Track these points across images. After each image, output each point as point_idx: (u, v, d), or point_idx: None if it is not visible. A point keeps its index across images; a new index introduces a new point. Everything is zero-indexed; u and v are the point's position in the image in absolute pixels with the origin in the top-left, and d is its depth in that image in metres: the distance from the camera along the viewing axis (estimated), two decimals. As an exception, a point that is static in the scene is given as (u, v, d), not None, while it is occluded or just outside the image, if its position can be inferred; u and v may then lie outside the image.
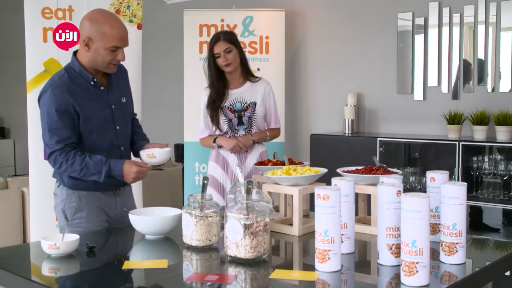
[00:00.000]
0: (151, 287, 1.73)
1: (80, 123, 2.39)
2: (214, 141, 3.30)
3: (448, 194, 1.80)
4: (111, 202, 2.53)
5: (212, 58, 3.23)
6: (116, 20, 2.40)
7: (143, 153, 2.49)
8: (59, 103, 2.35)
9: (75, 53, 2.49)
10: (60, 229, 2.49)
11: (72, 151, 2.36)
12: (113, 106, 2.49)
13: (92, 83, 2.43)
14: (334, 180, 1.96)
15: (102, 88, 2.47)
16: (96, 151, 2.41)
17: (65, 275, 1.87)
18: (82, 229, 2.44)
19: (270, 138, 3.37)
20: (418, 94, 4.26)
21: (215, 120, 3.26)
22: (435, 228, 2.02)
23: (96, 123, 2.42)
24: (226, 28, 4.58)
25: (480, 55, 3.97)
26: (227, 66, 3.21)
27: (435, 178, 2.00)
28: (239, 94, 3.28)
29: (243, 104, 3.27)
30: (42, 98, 2.41)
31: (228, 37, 3.23)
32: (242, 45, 3.34)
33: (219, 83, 3.27)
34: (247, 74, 3.31)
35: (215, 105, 3.26)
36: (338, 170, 2.35)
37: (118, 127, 2.51)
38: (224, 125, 3.27)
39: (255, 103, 3.27)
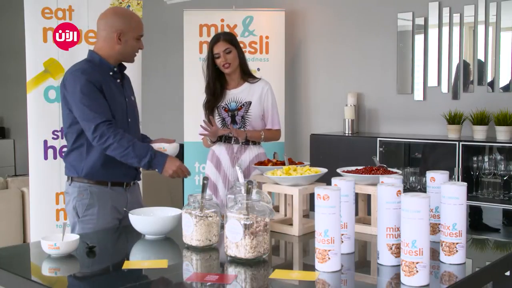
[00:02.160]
0: (151, 287, 1.73)
1: None
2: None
3: (448, 194, 1.80)
4: (122, 199, 2.57)
5: (211, 59, 3.25)
6: (136, 13, 2.68)
7: (155, 146, 2.57)
8: (91, 84, 2.43)
9: (91, 50, 2.60)
10: (72, 227, 2.52)
11: (120, 129, 2.43)
12: (126, 99, 2.61)
13: (111, 72, 2.55)
14: (334, 180, 1.96)
15: (118, 80, 2.59)
16: None
17: (65, 275, 1.87)
18: (93, 225, 2.49)
19: (266, 139, 3.32)
20: (418, 94, 4.26)
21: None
22: (435, 228, 2.02)
23: (115, 110, 2.51)
24: (226, 28, 4.58)
25: (480, 55, 3.97)
26: (226, 67, 3.22)
27: (435, 178, 2.00)
28: (236, 94, 3.29)
29: (238, 104, 3.27)
30: (72, 80, 2.46)
31: (228, 37, 3.25)
32: (242, 45, 3.35)
33: (216, 84, 3.29)
34: (245, 75, 3.31)
35: (209, 105, 3.28)
36: (338, 170, 2.35)
37: (129, 120, 2.60)
38: (218, 124, 3.27)
39: (249, 103, 3.26)
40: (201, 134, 3.27)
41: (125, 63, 2.65)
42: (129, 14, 2.60)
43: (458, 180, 3.64)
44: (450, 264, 1.81)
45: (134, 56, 2.63)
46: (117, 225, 2.55)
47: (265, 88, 3.29)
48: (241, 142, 3.27)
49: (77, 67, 2.52)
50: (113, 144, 2.39)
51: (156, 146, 2.56)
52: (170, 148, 2.56)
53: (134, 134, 2.61)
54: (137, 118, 2.71)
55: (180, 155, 5.22)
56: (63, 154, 2.69)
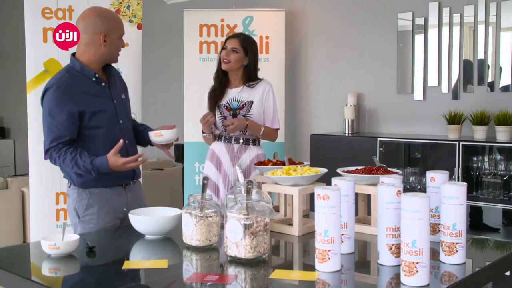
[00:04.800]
0: (151, 287, 1.73)
1: (87, 120, 2.44)
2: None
3: (448, 194, 1.80)
4: (122, 199, 2.57)
5: (222, 50, 3.31)
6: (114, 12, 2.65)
7: (152, 133, 2.61)
8: (60, 103, 2.41)
9: (73, 54, 2.56)
10: (74, 229, 2.52)
11: (64, 147, 2.41)
12: (115, 101, 2.56)
13: (93, 79, 2.50)
14: (334, 180, 1.96)
15: (103, 84, 2.54)
16: (106, 145, 2.45)
17: (65, 275, 1.87)
18: (93, 225, 2.49)
19: (264, 136, 3.31)
20: (418, 94, 4.26)
21: (213, 114, 3.30)
22: (435, 228, 2.02)
23: (103, 118, 2.49)
24: (226, 29, 4.58)
25: (480, 55, 3.97)
26: (225, 63, 3.26)
27: (435, 178, 2.00)
28: (237, 93, 3.30)
29: (239, 103, 3.28)
30: (45, 97, 2.48)
31: (244, 41, 3.29)
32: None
33: (222, 77, 3.33)
34: (246, 80, 3.31)
35: (216, 96, 3.30)
36: (338, 170, 2.35)
37: (121, 121, 2.57)
38: (219, 123, 3.28)
39: (251, 102, 3.27)
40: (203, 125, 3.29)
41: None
42: (111, 14, 2.57)
43: (458, 180, 3.63)
44: (450, 264, 1.81)
45: (118, 55, 2.59)
46: (118, 225, 2.55)
47: (267, 88, 3.31)
48: (241, 142, 3.28)
49: (54, 81, 2.47)
50: (61, 165, 2.44)
51: (154, 132, 2.60)
52: (166, 134, 2.59)
53: (126, 135, 2.59)
54: (129, 116, 2.68)
55: (180, 155, 5.23)
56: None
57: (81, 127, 2.45)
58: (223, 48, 3.29)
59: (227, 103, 3.29)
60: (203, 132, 3.35)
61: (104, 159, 2.38)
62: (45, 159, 2.51)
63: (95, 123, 2.46)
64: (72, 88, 2.43)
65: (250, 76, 3.32)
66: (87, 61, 2.49)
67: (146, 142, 2.70)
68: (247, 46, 3.28)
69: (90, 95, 2.46)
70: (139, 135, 2.71)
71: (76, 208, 2.52)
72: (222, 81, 3.32)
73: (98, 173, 2.40)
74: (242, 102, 3.28)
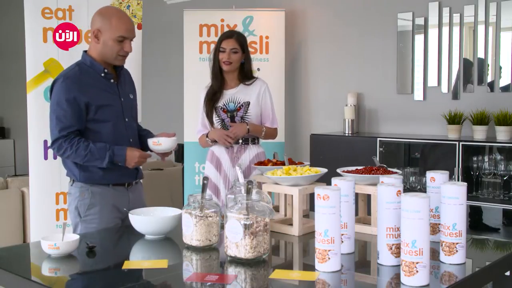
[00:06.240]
0: (151, 287, 1.73)
1: (93, 113, 2.47)
2: (207, 136, 3.31)
3: (448, 194, 1.80)
4: (124, 199, 2.58)
5: (217, 52, 3.26)
6: (123, 13, 2.59)
7: (150, 140, 2.62)
8: (68, 93, 2.44)
9: (85, 51, 2.60)
10: (74, 228, 2.52)
11: (76, 138, 2.44)
12: (122, 99, 2.59)
13: (102, 74, 2.53)
14: (334, 180, 1.96)
15: (112, 80, 2.57)
16: (110, 140, 2.48)
17: (65, 275, 1.87)
18: (95, 225, 2.50)
19: (266, 136, 3.32)
20: (418, 94, 4.26)
21: (210, 116, 3.28)
22: (435, 228, 2.02)
23: (109, 113, 2.52)
24: (226, 28, 4.58)
25: (480, 55, 3.97)
26: (227, 65, 3.24)
27: (435, 178, 2.00)
28: (233, 94, 3.29)
29: (236, 104, 3.27)
30: (53, 88, 2.50)
31: (240, 39, 3.28)
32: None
33: (218, 79, 3.31)
34: (243, 78, 3.31)
35: (214, 98, 3.28)
36: (338, 170, 2.35)
37: (126, 119, 2.60)
38: (218, 126, 3.28)
39: (248, 103, 3.27)
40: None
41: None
42: (111, 13, 2.52)
43: (458, 180, 3.63)
44: (450, 264, 1.81)
45: (118, 58, 2.54)
46: (119, 224, 2.56)
47: (263, 87, 3.31)
48: (240, 142, 3.28)
49: (65, 72, 2.53)
50: (72, 155, 2.45)
51: (152, 140, 2.60)
52: (165, 141, 2.59)
53: (132, 133, 2.62)
54: (135, 116, 2.70)
55: (180, 155, 5.23)
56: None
57: (87, 120, 2.48)
58: (220, 50, 3.25)
59: (224, 104, 3.28)
60: (209, 140, 3.31)
61: (124, 148, 2.46)
62: (50, 148, 2.51)
63: (100, 117, 2.49)
64: (80, 80, 2.47)
65: (247, 74, 3.31)
66: (94, 56, 2.54)
67: (146, 147, 2.71)
68: (243, 43, 3.28)
69: (97, 89, 2.50)
70: (140, 139, 2.73)
71: (78, 207, 2.52)
72: (220, 83, 3.32)
73: (110, 160, 2.44)
74: (239, 103, 3.27)
